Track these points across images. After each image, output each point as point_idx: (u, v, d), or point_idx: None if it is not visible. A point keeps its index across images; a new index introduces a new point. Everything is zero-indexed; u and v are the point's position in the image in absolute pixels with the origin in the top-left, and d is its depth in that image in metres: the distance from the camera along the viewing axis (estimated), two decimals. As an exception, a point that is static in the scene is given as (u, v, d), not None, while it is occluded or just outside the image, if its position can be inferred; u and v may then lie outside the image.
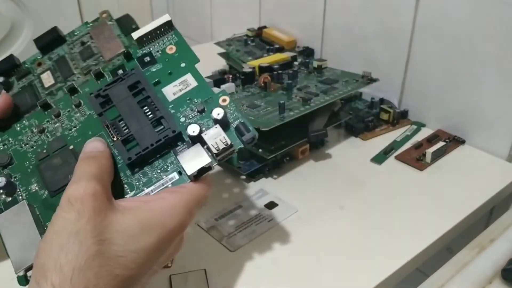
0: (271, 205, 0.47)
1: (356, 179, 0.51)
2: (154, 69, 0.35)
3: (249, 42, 0.72)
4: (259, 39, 0.74)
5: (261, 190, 0.49)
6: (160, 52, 0.36)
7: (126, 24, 0.38)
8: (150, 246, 0.28)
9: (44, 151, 0.34)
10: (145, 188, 0.32)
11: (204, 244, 0.42)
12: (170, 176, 0.32)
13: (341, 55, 0.67)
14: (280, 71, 0.59)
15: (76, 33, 0.38)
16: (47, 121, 0.35)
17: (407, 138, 0.57)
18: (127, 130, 0.32)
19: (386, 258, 0.40)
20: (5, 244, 0.31)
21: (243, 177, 0.51)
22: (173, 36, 0.36)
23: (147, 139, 0.32)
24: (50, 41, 0.38)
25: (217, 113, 0.31)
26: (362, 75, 0.57)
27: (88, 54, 0.37)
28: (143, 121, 0.32)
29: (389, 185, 0.50)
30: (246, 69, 0.60)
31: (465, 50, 0.53)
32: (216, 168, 0.51)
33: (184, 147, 0.32)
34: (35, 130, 0.35)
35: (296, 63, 0.64)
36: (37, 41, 0.38)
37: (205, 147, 0.31)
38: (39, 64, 0.38)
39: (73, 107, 0.35)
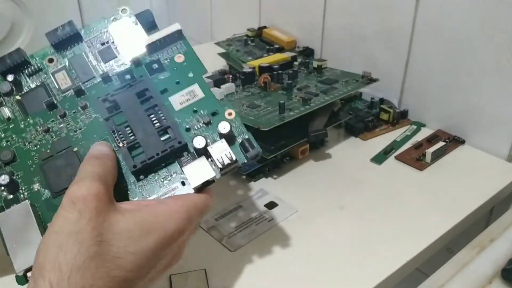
0: (271, 205, 0.47)
1: (356, 179, 0.51)
2: (162, 77, 0.35)
3: (249, 42, 0.72)
4: (259, 39, 0.74)
5: (261, 190, 0.49)
6: (168, 60, 0.36)
7: (145, 19, 0.37)
8: (149, 249, 0.28)
9: (48, 151, 0.34)
10: (147, 196, 0.32)
11: (204, 244, 0.42)
12: (173, 186, 0.32)
13: (341, 55, 0.67)
14: (280, 71, 0.59)
15: (93, 29, 0.37)
16: (52, 121, 0.35)
17: (407, 138, 0.57)
18: (133, 137, 0.33)
19: (386, 258, 0.40)
20: (5, 243, 0.31)
21: (243, 177, 0.51)
22: (182, 45, 0.36)
23: (153, 148, 0.32)
24: (66, 38, 0.36)
25: (223, 127, 0.32)
26: (362, 75, 0.57)
27: (109, 55, 0.36)
28: (150, 129, 0.33)
29: (389, 185, 0.50)
30: (246, 69, 0.60)
31: (465, 50, 0.53)
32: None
33: (189, 158, 0.32)
34: (39, 129, 0.34)
35: (296, 63, 0.64)
36: (50, 36, 0.36)
37: (210, 160, 0.32)
38: (51, 61, 0.36)
39: (79, 108, 0.35)
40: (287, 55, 0.65)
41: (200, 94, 0.34)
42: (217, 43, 0.73)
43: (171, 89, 0.35)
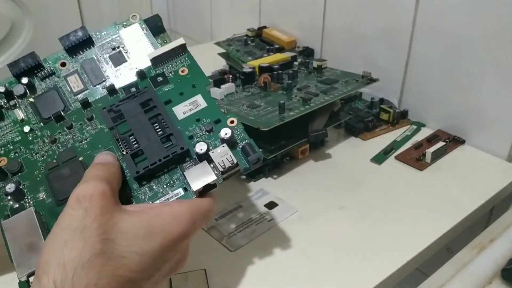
0: (271, 205, 0.47)
1: (356, 179, 0.51)
2: (166, 89, 0.36)
3: (249, 42, 0.72)
4: (259, 39, 0.74)
5: (261, 190, 0.49)
6: (172, 73, 0.37)
7: (154, 23, 0.39)
8: (154, 250, 0.28)
9: (54, 161, 0.35)
10: (150, 202, 0.32)
11: (204, 244, 0.42)
12: (175, 192, 0.32)
13: (341, 55, 0.67)
14: (280, 71, 0.59)
15: (104, 33, 0.38)
16: (59, 132, 0.36)
17: (407, 138, 0.57)
18: (136, 144, 0.33)
19: (386, 258, 0.40)
20: (9, 249, 0.31)
21: (243, 177, 0.51)
22: (186, 59, 0.37)
23: (156, 154, 0.33)
24: (78, 43, 0.37)
25: (225, 133, 0.32)
26: (362, 75, 0.57)
27: (120, 60, 0.37)
28: (153, 136, 0.33)
29: (389, 185, 0.50)
30: (246, 69, 0.60)
31: (465, 50, 0.53)
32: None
33: (191, 164, 0.33)
34: (46, 141, 0.35)
35: (296, 63, 0.64)
36: (63, 40, 0.37)
37: (212, 165, 0.32)
38: (63, 64, 0.37)
39: (85, 120, 0.36)
40: (287, 55, 0.65)
41: (203, 104, 0.35)
42: (217, 43, 0.73)
43: (175, 100, 0.36)
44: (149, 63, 0.37)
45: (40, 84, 0.37)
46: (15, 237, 0.31)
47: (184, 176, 0.32)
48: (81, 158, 0.34)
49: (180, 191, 0.32)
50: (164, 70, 0.37)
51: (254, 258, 0.41)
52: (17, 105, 0.36)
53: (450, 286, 0.37)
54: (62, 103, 0.36)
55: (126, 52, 0.38)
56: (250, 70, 0.59)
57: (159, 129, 0.34)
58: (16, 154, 0.35)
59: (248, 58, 0.67)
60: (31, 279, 0.30)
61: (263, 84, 0.57)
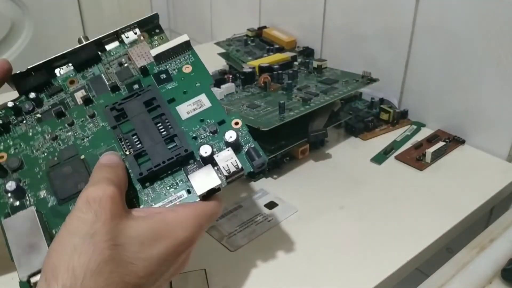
0: (271, 205, 0.47)
1: (356, 179, 0.51)
2: (170, 87, 0.36)
3: (249, 42, 0.72)
4: (259, 39, 0.74)
5: (261, 190, 0.49)
6: (176, 70, 0.36)
7: (148, 23, 0.38)
8: (160, 255, 0.28)
9: (55, 158, 0.34)
10: (153, 204, 0.32)
11: (204, 244, 0.42)
12: (179, 194, 0.32)
13: (341, 55, 0.67)
14: (280, 71, 0.59)
15: (112, 53, 0.38)
16: (60, 129, 0.35)
17: (407, 138, 0.57)
18: (140, 145, 0.33)
19: (386, 258, 0.40)
20: (10, 249, 0.31)
21: (243, 177, 0.51)
22: (190, 56, 0.37)
23: (159, 155, 0.32)
24: (86, 59, 0.37)
25: (230, 136, 0.32)
26: (362, 75, 0.57)
27: (126, 75, 0.37)
28: (156, 137, 0.33)
29: (389, 185, 0.50)
30: (246, 69, 0.60)
31: (465, 50, 0.53)
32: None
33: (195, 166, 0.32)
34: (47, 137, 0.35)
35: (296, 63, 0.64)
36: (71, 57, 0.37)
37: (216, 168, 0.32)
38: (72, 82, 0.37)
39: (87, 117, 0.35)
40: (287, 55, 0.65)
41: (207, 103, 0.35)
42: (217, 43, 0.73)
43: (179, 99, 0.35)
44: (148, 67, 0.37)
45: (48, 100, 0.37)
46: (16, 237, 0.31)
47: (188, 179, 0.32)
48: (82, 156, 0.34)
49: (184, 193, 0.32)
50: (168, 67, 0.36)
51: (254, 258, 0.41)
52: (24, 121, 0.36)
53: (450, 286, 0.37)
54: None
55: (133, 68, 0.37)
56: (250, 70, 0.59)
57: (163, 130, 0.33)
58: (16, 150, 0.35)
59: (248, 58, 0.67)
60: (32, 280, 0.30)
61: (263, 84, 0.57)
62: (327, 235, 0.43)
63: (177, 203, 0.32)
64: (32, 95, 0.36)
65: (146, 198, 0.32)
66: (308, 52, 0.70)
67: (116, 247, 0.26)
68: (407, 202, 0.47)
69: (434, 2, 0.54)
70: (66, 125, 0.35)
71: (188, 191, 0.32)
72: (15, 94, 0.37)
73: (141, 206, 0.32)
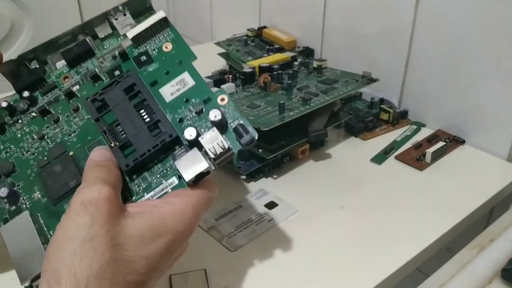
0: (271, 205, 0.47)
1: (356, 179, 0.51)
2: (151, 69, 0.34)
3: (249, 42, 0.72)
4: (259, 39, 0.74)
5: (261, 190, 0.49)
6: (156, 50, 0.35)
7: (137, 7, 0.37)
8: (161, 251, 0.28)
9: (45, 158, 0.34)
10: (145, 194, 0.31)
11: (204, 244, 0.42)
12: (169, 181, 0.31)
13: (341, 55, 0.67)
14: (280, 71, 0.59)
15: (106, 46, 0.37)
16: (47, 127, 0.35)
17: (407, 138, 0.57)
18: (124, 135, 0.32)
19: (386, 258, 0.40)
20: (10, 254, 0.31)
21: (243, 177, 0.51)
22: (169, 33, 0.35)
23: (144, 144, 0.31)
24: (79, 54, 0.36)
25: (214, 115, 0.30)
26: (362, 75, 0.57)
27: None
28: (140, 125, 0.32)
29: (389, 185, 0.50)
30: (246, 69, 0.60)
31: (465, 50, 0.53)
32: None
33: (182, 150, 0.31)
34: (35, 137, 0.35)
35: (296, 63, 0.64)
36: (65, 54, 0.36)
37: (203, 151, 0.30)
38: (66, 78, 0.36)
39: (72, 111, 0.35)
40: (287, 55, 0.65)
41: (190, 82, 0.33)
42: (217, 43, 0.73)
43: (161, 80, 0.33)
44: (127, 50, 0.35)
45: (43, 98, 0.36)
46: (14, 244, 0.31)
47: (175, 165, 0.30)
48: (71, 153, 0.33)
49: (174, 180, 0.31)
50: (147, 47, 0.35)
51: (254, 258, 0.41)
52: (19, 120, 0.35)
53: (450, 286, 0.37)
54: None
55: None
56: (250, 70, 0.59)
57: (146, 116, 0.32)
58: (7, 154, 0.34)
59: (248, 58, 0.67)
60: (34, 284, 0.30)
61: (263, 84, 0.57)
62: (327, 235, 0.43)
63: (169, 190, 0.31)
64: (26, 93, 0.35)
65: (137, 189, 0.31)
66: (308, 52, 0.70)
67: (116, 247, 0.26)
68: (407, 202, 0.47)
69: (434, 2, 0.54)
70: (52, 122, 0.35)
71: (179, 177, 0.31)
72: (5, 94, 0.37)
73: (134, 197, 0.31)
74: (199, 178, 0.30)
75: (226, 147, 0.30)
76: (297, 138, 0.51)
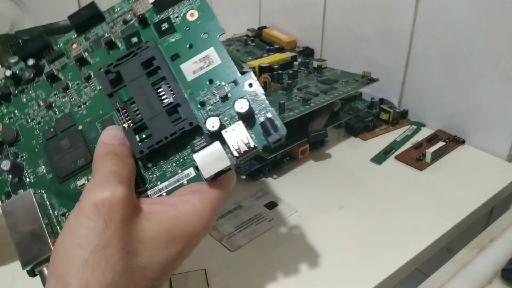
0: (271, 205, 0.47)
1: (356, 179, 0.51)
2: (173, 39, 0.30)
3: (249, 42, 0.72)
4: (259, 39, 0.74)
5: (261, 190, 0.49)
6: (180, 18, 0.31)
7: None
8: (175, 255, 0.26)
9: (52, 129, 0.31)
10: (158, 183, 0.29)
11: (204, 244, 0.42)
12: (186, 172, 0.29)
13: (341, 55, 0.67)
14: (280, 71, 0.59)
15: (116, 10, 0.33)
16: (55, 94, 0.32)
17: (407, 138, 0.57)
18: (139, 115, 0.29)
19: (386, 258, 0.40)
20: (10, 235, 0.29)
21: (243, 177, 0.51)
22: None
23: (161, 130, 0.28)
24: (88, 18, 0.32)
25: (241, 106, 0.27)
26: (362, 75, 0.57)
27: (130, 32, 0.32)
28: (157, 107, 0.28)
29: (389, 185, 0.50)
30: (246, 69, 0.60)
31: (465, 50, 0.53)
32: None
33: (202, 141, 0.28)
34: (42, 104, 0.32)
35: (296, 63, 0.64)
36: (72, 18, 0.33)
37: (225, 146, 0.27)
38: (74, 44, 0.33)
39: (83, 80, 0.31)
40: (287, 55, 0.65)
41: (216, 60, 0.29)
42: (217, 43, 0.73)
43: (183, 55, 0.30)
44: (147, 16, 0.31)
45: (50, 67, 0.33)
46: (16, 224, 0.29)
47: (193, 159, 0.27)
48: (80, 127, 0.31)
49: (191, 172, 0.28)
50: (170, 14, 0.31)
51: (254, 258, 0.41)
52: (25, 90, 0.33)
53: (450, 286, 0.37)
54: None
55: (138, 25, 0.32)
56: (250, 70, 0.59)
57: (165, 97, 0.29)
58: (10, 119, 0.32)
59: (248, 58, 0.67)
60: (35, 270, 0.29)
61: (263, 84, 0.57)
62: (327, 235, 0.43)
63: (185, 182, 0.29)
64: (31, 61, 0.32)
65: (151, 177, 0.29)
66: (308, 52, 0.70)
67: (129, 255, 0.25)
68: (407, 202, 0.47)
69: (434, 2, 0.54)
70: (61, 90, 0.32)
71: (197, 168, 0.28)
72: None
73: (147, 185, 0.29)
74: (218, 175, 0.28)
75: (252, 145, 0.27)
76: (297, 138, 0.51)
